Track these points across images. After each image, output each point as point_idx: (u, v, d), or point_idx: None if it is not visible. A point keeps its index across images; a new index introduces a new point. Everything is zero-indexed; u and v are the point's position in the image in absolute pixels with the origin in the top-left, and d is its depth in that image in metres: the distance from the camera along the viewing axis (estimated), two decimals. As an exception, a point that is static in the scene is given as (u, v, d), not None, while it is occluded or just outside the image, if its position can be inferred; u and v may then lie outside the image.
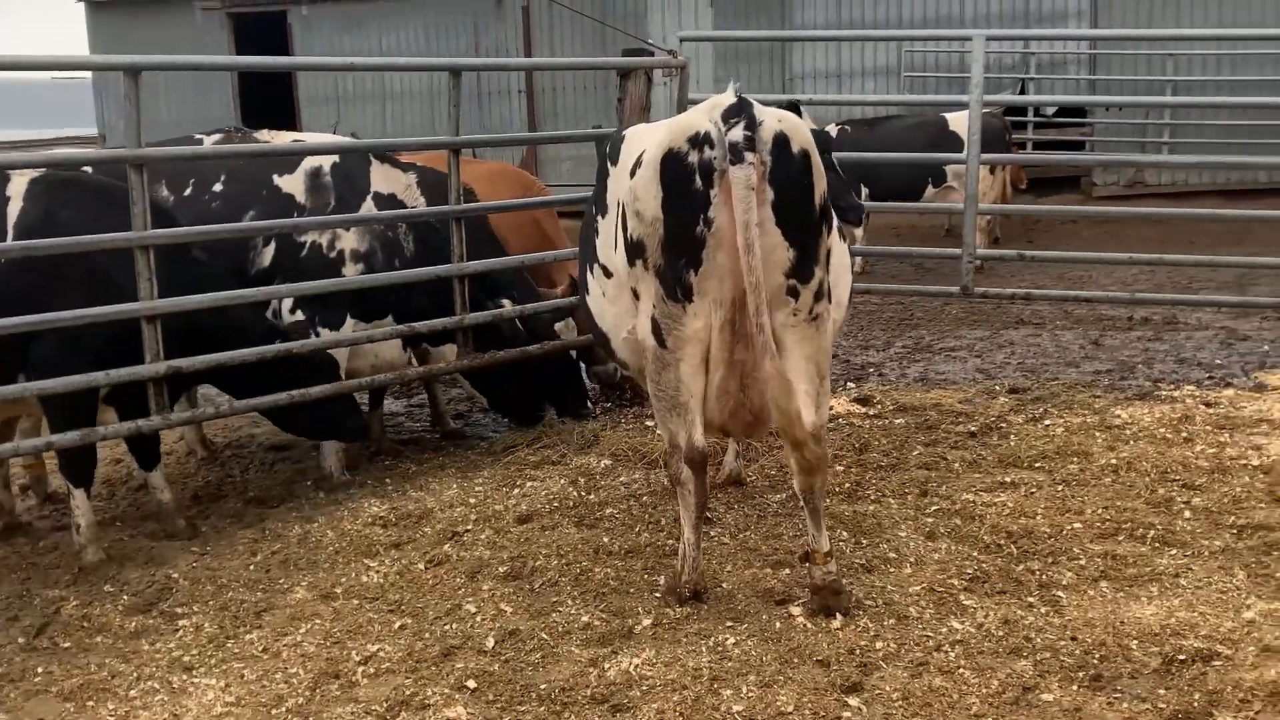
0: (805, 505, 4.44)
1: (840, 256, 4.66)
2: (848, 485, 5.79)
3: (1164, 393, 7.31)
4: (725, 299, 4.18)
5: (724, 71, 19.16)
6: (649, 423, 7.09)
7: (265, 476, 6.59)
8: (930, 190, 13.02)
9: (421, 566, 5.07)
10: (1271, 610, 4.23)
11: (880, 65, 18.56)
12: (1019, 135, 16.41)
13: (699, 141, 4.11)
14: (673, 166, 4.14)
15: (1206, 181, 17.16)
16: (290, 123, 19.38)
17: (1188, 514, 5.20)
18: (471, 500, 5.85)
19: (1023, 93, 17.41)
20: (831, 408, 6.92)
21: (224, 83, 20.24)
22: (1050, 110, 18.06)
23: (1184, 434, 6.33)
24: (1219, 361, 8.18)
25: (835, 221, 4.55)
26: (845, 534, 5.14)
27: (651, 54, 7.72)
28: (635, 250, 4.33)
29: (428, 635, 4.42)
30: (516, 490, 5.95)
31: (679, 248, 4.18)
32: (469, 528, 5.47)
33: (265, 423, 7.52)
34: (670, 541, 5.13)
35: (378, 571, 5.05)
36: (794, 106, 5.37)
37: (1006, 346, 8.98)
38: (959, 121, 13.26)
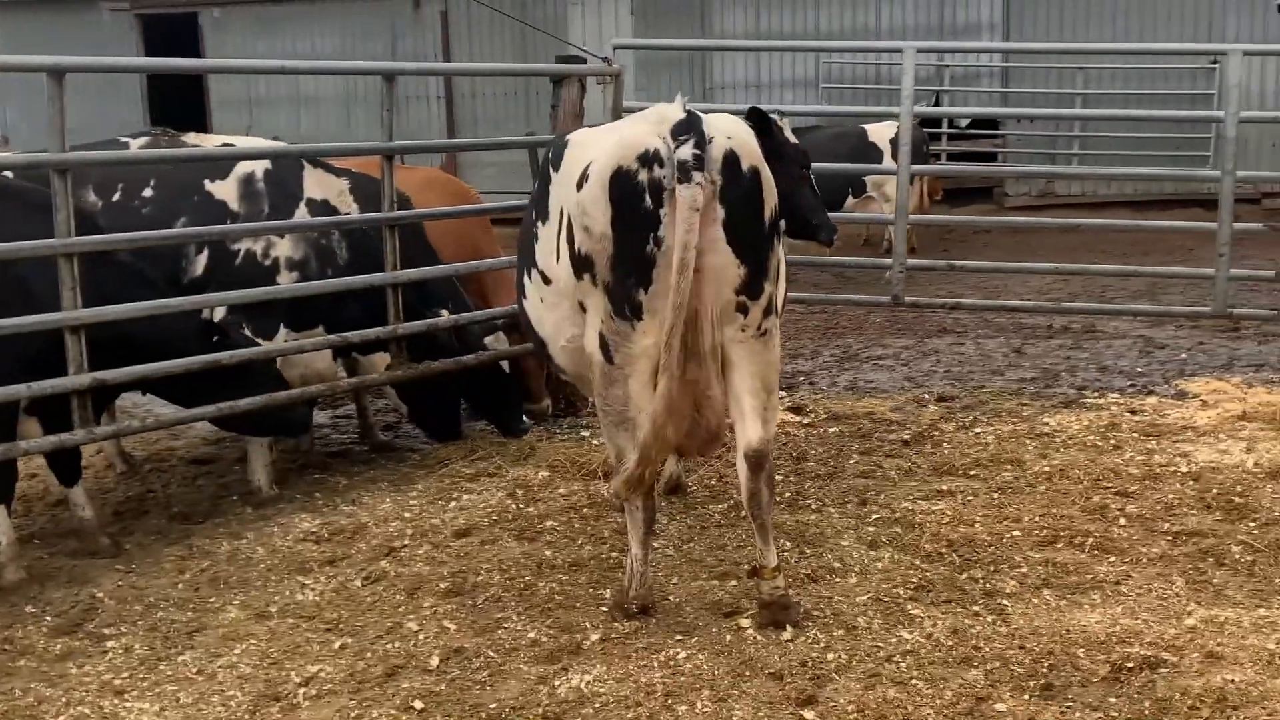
0: (753, 520, 4.41)
1: (780, 265, 4.59)
2: (788, 494, 5.78)
3: (1089, 400, 7.44)
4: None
5: (645, 79, 19.18)
6: (584, 433, 7.04)
7: (189, 491, 6.39)
8: (850, 200, 13.17)
9: (358, 583, 4.94)
10: (1212, 617, 4.30)
11: (800, 76, 18.72)
12: (934, 147, 16.67)
13: (648, 159, 4.03)
14: (622, 184, 4.07)
15: (1115, 192, 17.61)
16: (201, 126, 18.94)
17: (1123, 521, 5.28)
18: (406, 514, 5.72)
19: (937, 105, 17.69)
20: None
21: (132, 85, 19.74)
22: (964, 122, 18.39)
23: (1112, 441, 6.44)
24: (1139, 369, 8.35)
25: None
26: (789, 544, 5.12)
27: (584, 61, 7.66)
28: (583, 264, 4.26)
29: (369, 655, 4.29)
30: (453, 503, 5.84)
31: (628, 266, 4.11)
32: (406, 543, 5.35)
33: (185, 434, 7.33)
34: (614, 554, 5.07)
35: (313, 589, 4.91)
36: (759, 115, 5.43)
37: (932, 355, 9.07)
38: (878, 132, 13.43)
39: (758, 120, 5.34)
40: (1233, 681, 3.79)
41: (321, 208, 6.18)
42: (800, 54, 17.81)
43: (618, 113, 7.25)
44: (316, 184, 6.20)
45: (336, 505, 5.94)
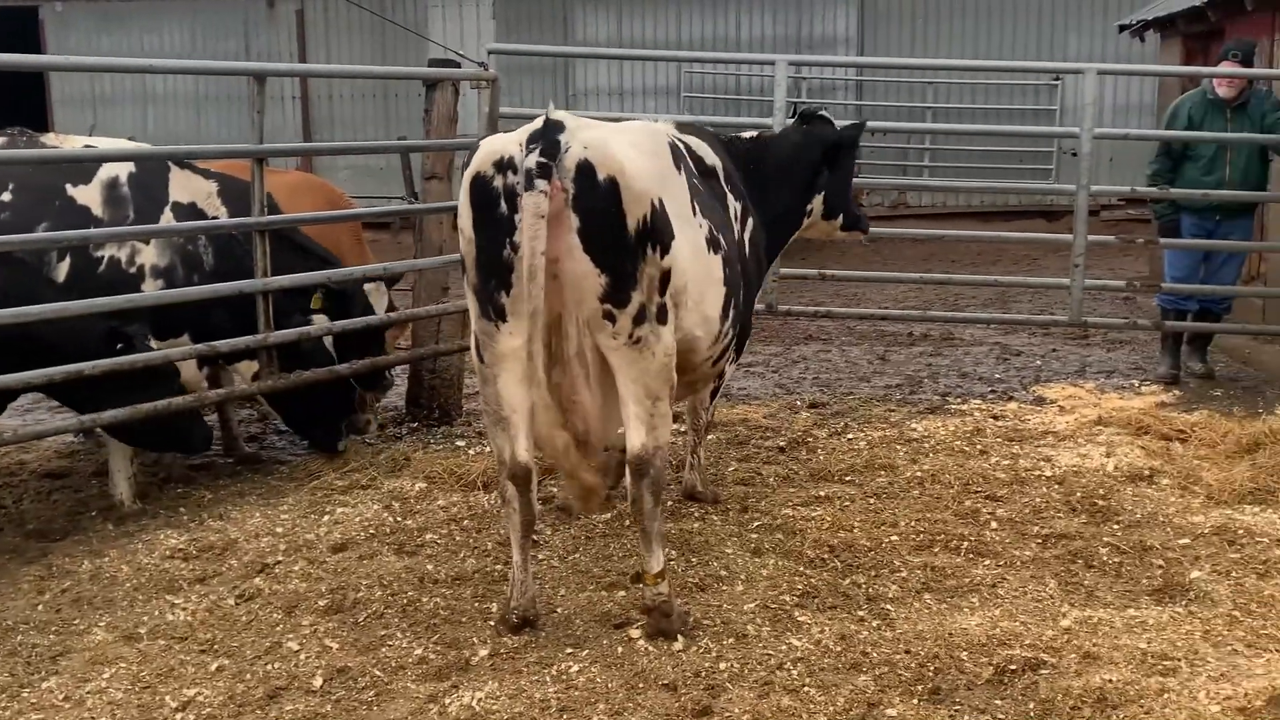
0: (635, 525, 4.40)
1: (709, 270, 4.65)
2: (670, 503, 5.77)
3: (953, 406, 7.64)
4: (541, 323, 4.10)
5: (507, 85, 18.90)
6: (460, 443, 6.92)
7: (44, 507, 6.05)
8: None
9: (232, 602, 4.75)
10: (1086, 618, 4.43)
11: (662, 85, 18.83)
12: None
13: (503, 166, 4.10)
14: (480, 189, 4.15)
15: (963, 204, 18.21)
16: (42, 125, 18.07)
17: (994, 525, 5.42)
18: (279, 529, 5.53)
19: (794, 116, 17.98)
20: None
21: (-36, 80, 18.73)
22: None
23: (979, 446, 6.62)
24: (999, 376, 8.62)
25: (703, 236, 4.60)
26: (675, 553, 5.11)
27: (458, 65, 7.53)
28: (461, 267, 4.32)
29: (249, 676, 4.13)
30: (327, 517, 5.67)
31: (490, 269, 4.18)
32: (279, 559, 5.16)
33: (36, 447, 6.95)
34: (498, 567, 4.99)
35: (184, 609, 4.69)
36: (813, 115, 5.84)
37: (800, 362, 9.20)
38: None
39: (810, 120, 5.75)
40: (1110, 681, 3.91)
41: (188, 212, 5.93)
42: (662, 63, 17.89)
43: (494, 119, 7.15)
44: (183, 187, 5.95)
45: (203, 520, 5.70)
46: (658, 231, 4.23)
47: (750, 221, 5.35)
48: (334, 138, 18.50)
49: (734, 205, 5.24)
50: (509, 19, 18.78)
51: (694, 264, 4.51)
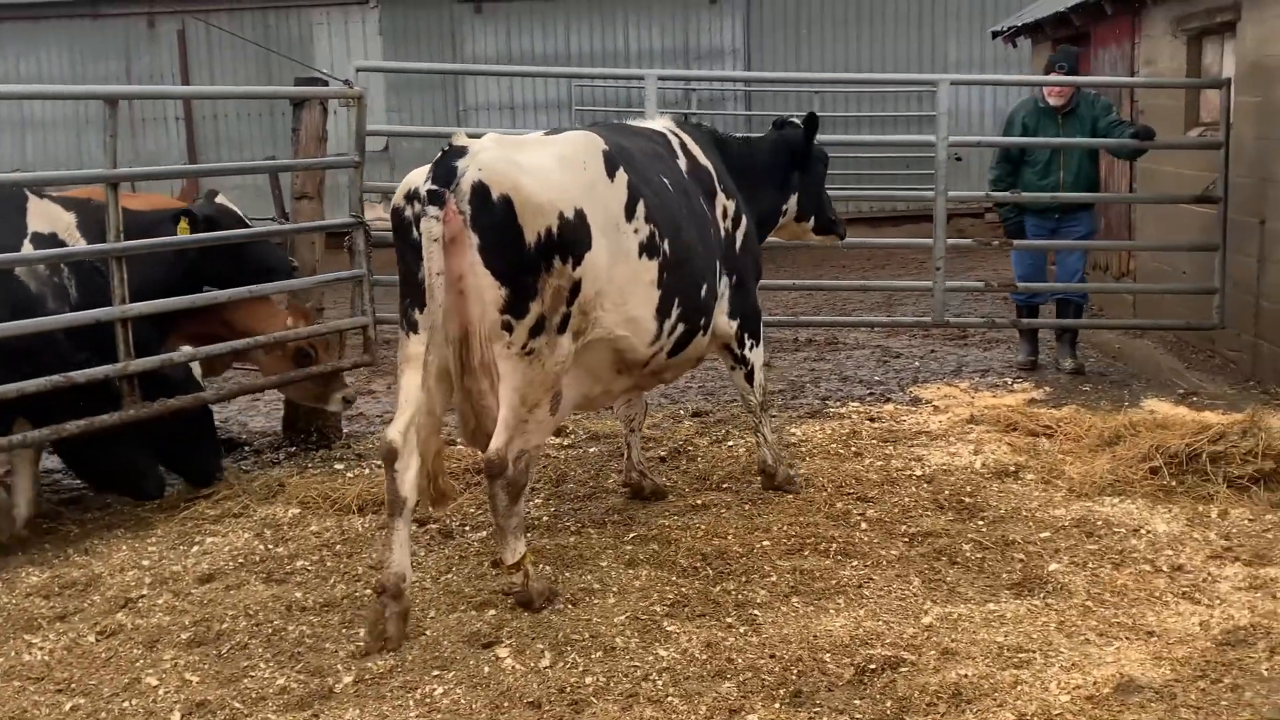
0: (493, 519, 4.71)
1: (636, 274, 4.89)
2: (545, 518, 5.76)
3: (832, 410, 7.74)
4: (452, 336, 4.40)
5: (396, 101, 18.90)
6: (338, 465, 6.83)
7: (-101, 550, 5.82)
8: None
9: (92, 639, 4.61)
10: (947, 614, 4.51)
11: (553, 98, 18.83)
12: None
13: (411, 196, 4.52)
14: (397, 218, 4.63)
15: (853, 210, 18.47)
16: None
17: (864, 525, 5.48)
18: (145, 562, 5.40)
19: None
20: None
21: None
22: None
23: (854, 449, 6.70)
24: (878, 378, 8.75)
25: (636, 242, 4.85)
26: (549, 569, 5.09)
27: (325, 83, 7.44)
28: None
29: (104, 715, 4.01)
30: (196, 548, 5.55)
31: (407, 288, 4.61)
32: (144, 592, 5.04)
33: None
34: (368, 592, 4.90)
35: (41, 648, 4.55)
36: (784, 122, 6.24)
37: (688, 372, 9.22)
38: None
39: (781, 126, 6.12)
40: (966, 676, 3.98)
41: (49, 242, 5.78)
42: (554, 77, 17.87)
43: (361, 137, 7.07)
44: (42, 217, 5.80)
45: (68, 556, 5.54)
46: (566, 243, 4.48)
47: (745, 219, 5.73)
48: (220, 157, 18.19)
49: (724, 204, 5.62)
50: (395, 34, 18.65)
51: (616, 269, 4.75)
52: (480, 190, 4.32)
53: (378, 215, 20.68)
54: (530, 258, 4.40)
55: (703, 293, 5.30)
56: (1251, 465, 5.62)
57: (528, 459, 4.60)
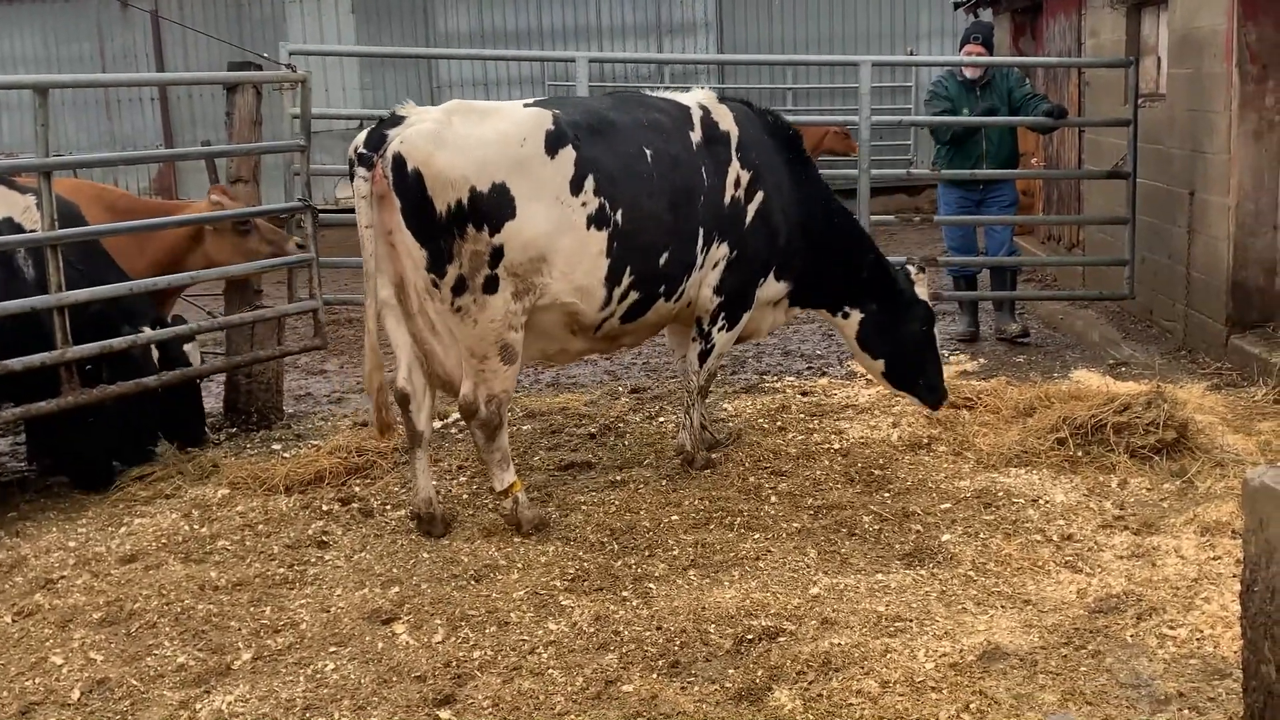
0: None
1: (583, 244, 5.20)
2: (466, 495, 5.86)
3: (768, 385, 7.82)
4: (391, 283, 5.08)
5: (369, 79, 18.93)
6: (275, 446, 6.92)
7: None
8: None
9: (9, 620, 4.71)
10: (834, 585, 4.61)
11: (526, 75, 18.85)
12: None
13: (351, 159, 5.05)
14: (349, 175, 5.11)
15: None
16: None
17: (774, 499, 5.58)
18: (71, 543, 5.50)
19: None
20: (459, 420, 6.96)
21: None
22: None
23: (779, 423, 6.79)
24: (819, 353, 8.83)
25: (584, 214, 5.15)
26: (463, 544, 5.21)
27: (259, 67, 7.48)
28: None
29: (5, 694, 4.11)
30: (123, 529, 5.65)
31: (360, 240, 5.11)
32: (65, 573, 5.14)
33: None
34: (282, 570, 5.03)
35: (-43, 630, 4.66)
36: (748, 106, 6.13)
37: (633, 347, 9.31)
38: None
39: (753, 111, 6.04)
40: (838, 645, 4.08)
41: (6, 227, 5.90)
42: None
43: (307, 121, 7.11)
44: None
45: (-1, 538, 5.65)
46: (480, 213, 4.91)
47: (762, 195, 5.81)
48: (196, 138, 18.20)
49: (738, 173, 5.75)
50: (368, 14, 18.65)
51: (561, 240, 5.11)
52: (398, 161, 4.85)
53: (350, 193, 20.77)
54: (443, 224, 4.89)
55: (662, 260, 5.48)
56: (1154, 435, 5.71)
57: (498, 402, 5.18)
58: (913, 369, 6.25)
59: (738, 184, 5.77)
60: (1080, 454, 5.80)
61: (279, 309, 7.41)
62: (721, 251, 5.77)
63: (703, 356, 6.02)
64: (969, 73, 8.96)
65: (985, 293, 9.24)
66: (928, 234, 12.65)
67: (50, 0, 18.47)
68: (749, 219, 5.82)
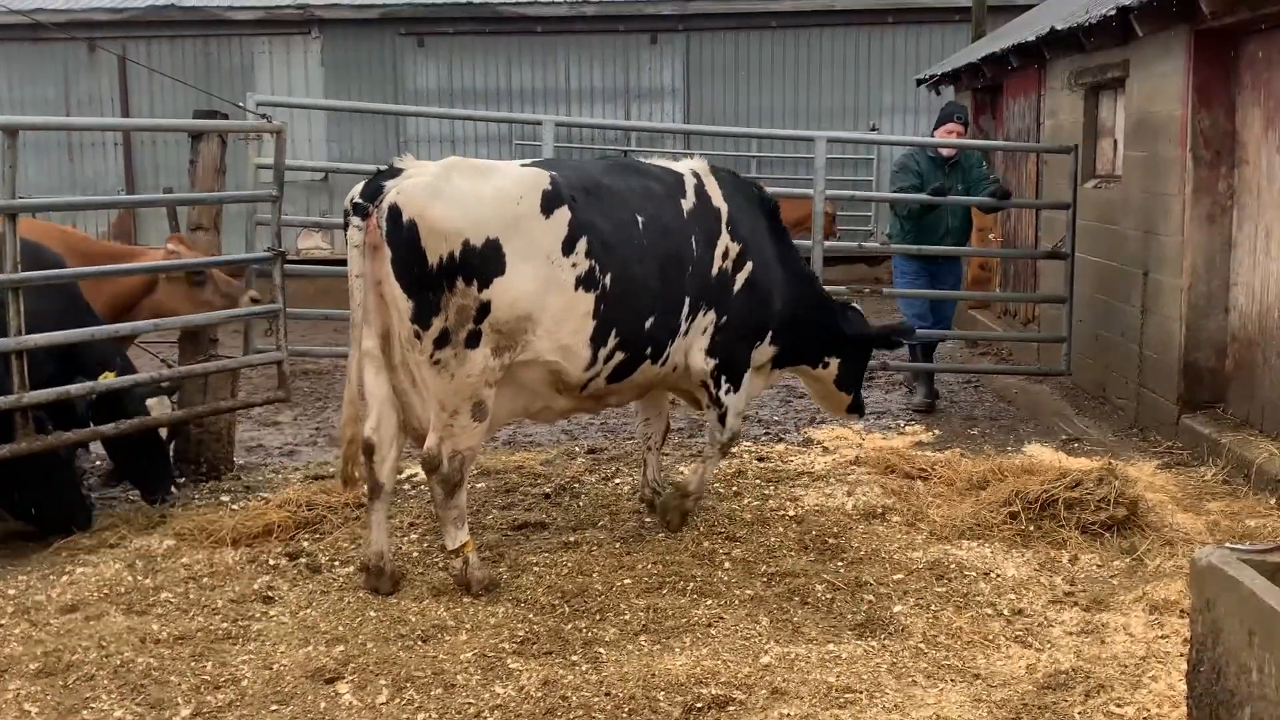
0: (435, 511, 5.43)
1: (571, 304, 5.26)
2: (416, 553, 5.80)
3: (725, 449, 7.82)
4: (377, 333, 5.13)
5: (336, 132, 18.97)
6: (224, 497, 6.83)
7: None
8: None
9: (-58, 669, 4.60)
10: (785, 654, 4.59)
11: (494, 132, 18.95)
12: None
13: (347, 209, 5.11)
14: (345, 219, 5.15)
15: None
16: None
17: (727, 565, 5.57)
18: (11, 591, 5.38)
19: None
20: (413, 476, 6.93)
21: None
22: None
23: (735, 488, 6.80)
24: (776, 418, 8.86)
25: (573, 275, 5.21)
26: (411, 603, 5.15)
27: (226, 115, 7.49)
28: None
29: (-67, 747, 4.01)
30: (64, 578, 5.53)
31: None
32: (3, 622, 5.02)
33: None
34: (225, 625, 4.95)
35: (-113, 679, 4.53)
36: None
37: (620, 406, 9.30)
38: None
39: (741, 183, 6.20)
40: (788, 715, 4.06)
41: None
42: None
43: (280, 171, 7.09)
44: None
45: (-64, 586, 5.52)
46: (470, 268, 4.97)
47: (752, 265, 5.94)
48: (158, 184, 18.13)
49: (727, 245, 5.86)
50: (338, 67, 18.73)
51: (549, 299, 5.17)
52: (394, 211, 4.92)
53: (316, 244, 20.57)
54: (432, 277, 4.93)
55: (648, 325, 5.56)
56: (1105, 512, 5.76)
57: (462, 459, 5.16)
58: (859, 392, 6.77)
59: (726, 255, 5.86)
60: (1032, 528, 5.84)
61: (243, 359, 7.37)
62: (709, 319, 5.86)
63: (722, 419, 6.12)
64: (945, 150, 9.31)
65: (932, 365, 9.55)
66: (880, 304, 12.83)
67: (16, 41, 18.40)
68: (737, 288, 5.91)
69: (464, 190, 5.02)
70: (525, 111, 18.36)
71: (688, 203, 5.79)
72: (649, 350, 5.64)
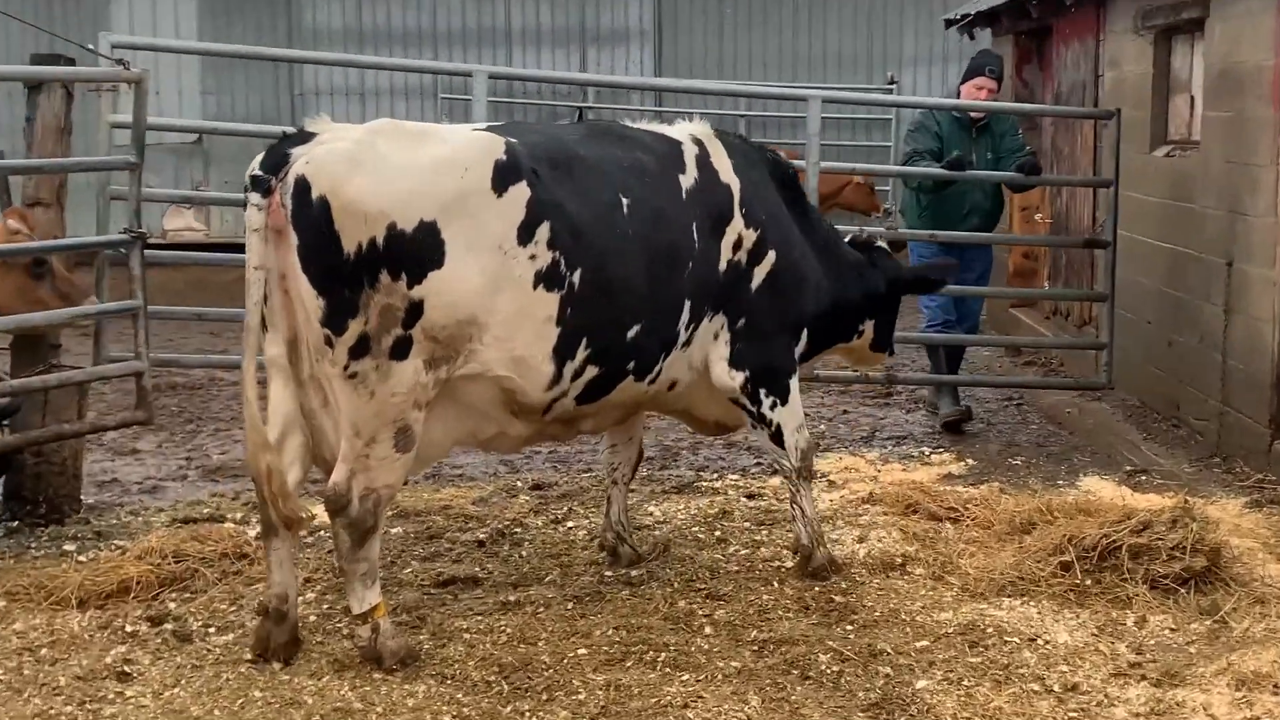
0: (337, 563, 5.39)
1: (528, 307, 5.22)
2: (315, 617, 5.77)
3: (705, 484, 7.86)
4: (283, 339, 5.07)
5: (214, 83, 18.90)
6: (69, 546, 6.77)
7: None
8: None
9: None
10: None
11: (413, 84, 18.93)
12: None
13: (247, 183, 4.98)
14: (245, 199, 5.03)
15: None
16: None
17: (709, 630, 5.58)
18: None
19: (580, 118, 18.29)
20: (313, 517, 6.89)
21: None
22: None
23: (718, 533, 6.84)
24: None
25: (531, 270, 5.17)
26: (307, 680, 5.12)
27: (73, 61, 7.43)
28: None
29: None
30: None
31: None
32: None
33: None
34: (69, 708, 4.91)
35: None
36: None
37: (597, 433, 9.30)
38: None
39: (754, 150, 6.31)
40: (785, 819, 4.06)
41: None
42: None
43: (140, 132, 7.04)
44: None
45: None
46: (398, 258, 4.88)
47: (775, 255, 5.98)
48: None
49: (741, 233, 5.91)
50: (215, 6, 18.63)
51: (499, 299, 5.11)
52: (301, 186, 4.83)
53: (188, 225, 20.56)
54: (349, 269, 4.86)
55: (632, 334, 5.56)
56: (1179, 563, 5.80)
57: (377, 499, 5.08)
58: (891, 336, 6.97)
59: (739, 245, 5.91)
60: (1089, 583, 5.87)
61: (93, 370, 7.31)
62: (718, 323, 5.93)
63: (776, 440, 6.18)
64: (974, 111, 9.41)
65: (947, 378, 9.71)
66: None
67: None
68: (756, 285, 5.97)
69: (392, 160, 4.96)
70: (454, 59, 18.39)
71: (687, 179, 5.80)
72: (632, 365, 5.65)
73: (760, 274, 5.97)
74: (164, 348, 10.06)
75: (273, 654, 5.24)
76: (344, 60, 15.62)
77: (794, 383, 6.20)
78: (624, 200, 5.50)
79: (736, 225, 5.89)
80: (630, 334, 5.55)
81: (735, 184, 5.93)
